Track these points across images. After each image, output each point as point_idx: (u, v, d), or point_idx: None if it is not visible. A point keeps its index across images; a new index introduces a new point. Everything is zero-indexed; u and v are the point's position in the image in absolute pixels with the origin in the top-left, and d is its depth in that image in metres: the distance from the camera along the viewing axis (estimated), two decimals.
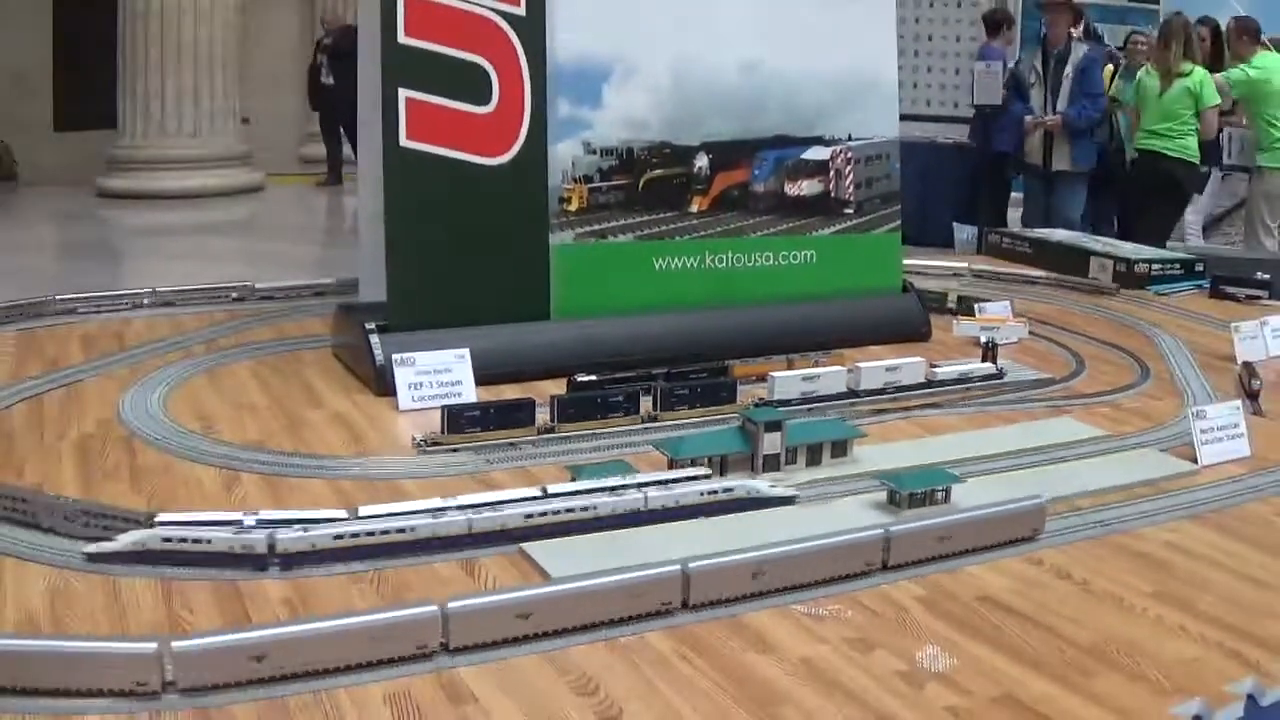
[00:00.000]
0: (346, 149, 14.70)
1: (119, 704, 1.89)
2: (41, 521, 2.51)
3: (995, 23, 11.05)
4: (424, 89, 3.75)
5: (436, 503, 2.58)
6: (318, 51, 15.26)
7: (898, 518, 2.73)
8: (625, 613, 2.21)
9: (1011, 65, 9.36)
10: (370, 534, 2.45)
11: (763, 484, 2.83)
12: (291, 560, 2.39)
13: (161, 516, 2.45)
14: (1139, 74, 8.44)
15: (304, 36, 17.16)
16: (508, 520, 2.56)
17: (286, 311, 4.56)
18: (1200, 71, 8.04)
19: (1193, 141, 8.10)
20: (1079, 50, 8.65)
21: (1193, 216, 9.00)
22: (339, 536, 2.43)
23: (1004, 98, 9.20)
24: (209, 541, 2.39)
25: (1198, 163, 8.28)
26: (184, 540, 2.39)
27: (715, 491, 2.76)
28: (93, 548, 2.42)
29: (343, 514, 2.53)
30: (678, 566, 2.25)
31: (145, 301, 4.59)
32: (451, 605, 2.06)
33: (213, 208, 13.44)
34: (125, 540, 2.40)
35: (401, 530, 2.47)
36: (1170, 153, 8.10)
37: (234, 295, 4.73)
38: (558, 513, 2.59)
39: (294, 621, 2.08)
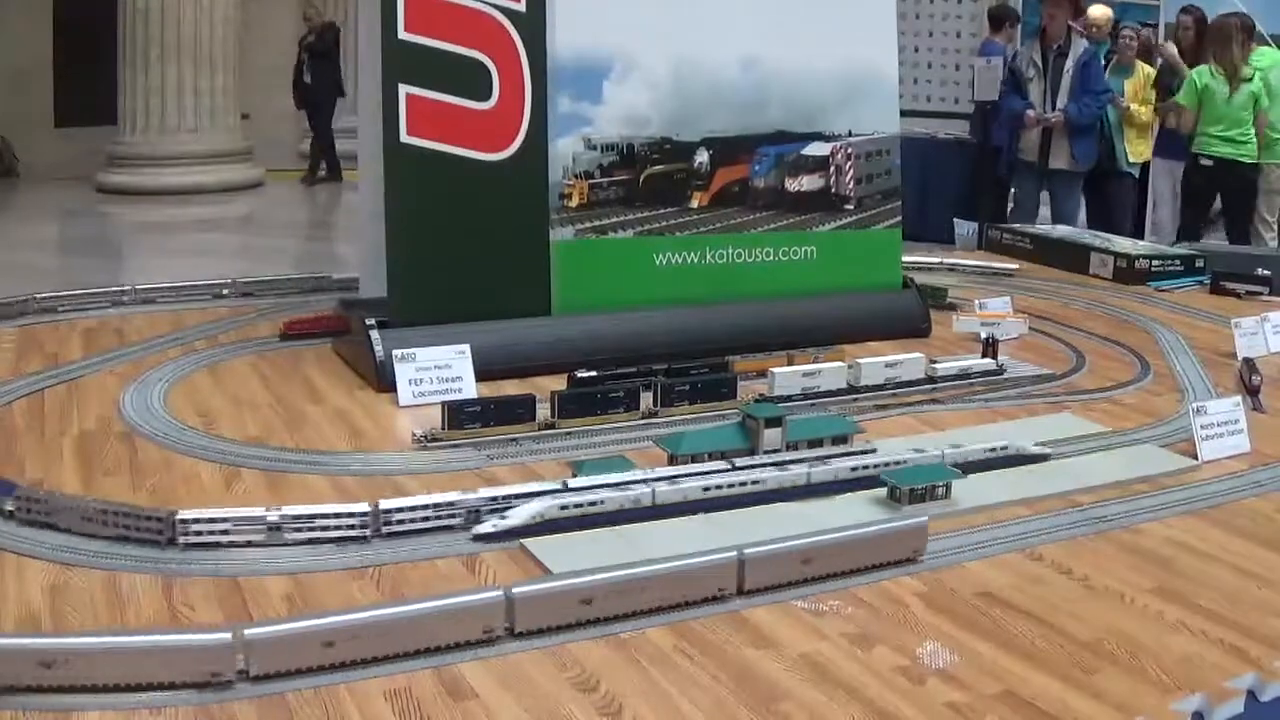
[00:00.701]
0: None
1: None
2: (59, 522, 2.51)
3: (998, 18, 11.03)
4: (424, 85, 3.75)
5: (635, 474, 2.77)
6: (301, 49, 15.22)
7: (900, 513, 2.73)
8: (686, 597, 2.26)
9: (1009, 59, 9.06)
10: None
11: (1027, 442, 3.13)
12: (666, 512, 2.67)
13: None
14: (1200, 76, 8.13)
15: (303, 32, 17.17)
16: (688, 492, 2.74)
17: (287, 307, 4.56)
18: (1258, 73, 7.98)
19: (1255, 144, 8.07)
20: (1079, 44, 8.36)
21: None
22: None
23: (1000, 92, 8.88)
24: (602, 502, 2.65)
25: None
26: (580, 505, 2.63)
27: (994, 449, 3.08)
28: (485, 528, 2.57)
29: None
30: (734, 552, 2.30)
31: (125, 300, 4.59)
32: (516, 590, 2.10)
33: (213, 203, 13.45)
34: (525, 513, 2.59)
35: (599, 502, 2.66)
36: (1245, 159, 8.04)
37: (222, 292, 4.74)
38: (743, 484, 2.81)
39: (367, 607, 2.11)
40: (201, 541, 2.46)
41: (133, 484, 2.83)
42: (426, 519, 2.59)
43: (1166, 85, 8.81)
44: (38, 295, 4.45)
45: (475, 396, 3.44)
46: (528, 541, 2.52)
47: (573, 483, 2.73)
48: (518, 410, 3.25)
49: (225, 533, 2.48)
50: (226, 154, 14.72)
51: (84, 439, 3.14)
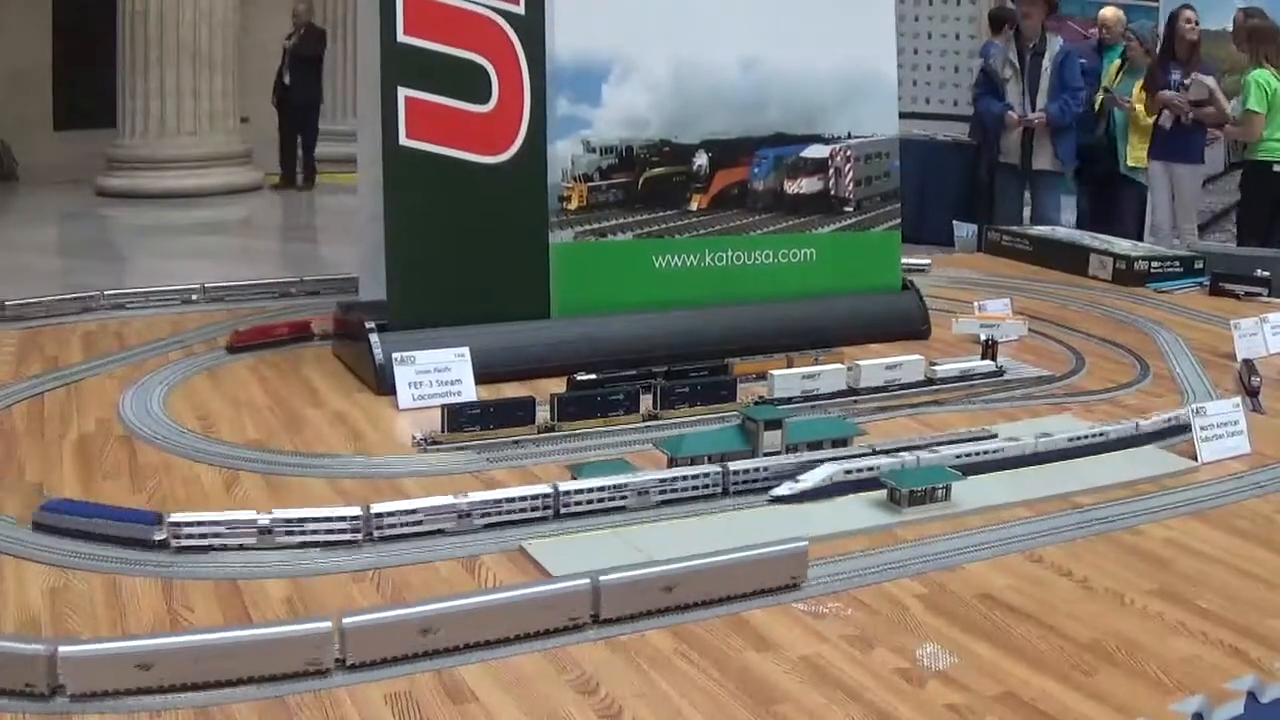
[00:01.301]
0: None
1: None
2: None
3: (999, 20, 11.03)
4: (423, 88, 3.75)
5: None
6: (285, 50, 14.95)
7: (900, 515, 2.74)
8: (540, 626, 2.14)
9: (984, 58, 8.67)
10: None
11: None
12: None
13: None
14: (1268, 80, 8.03)
15: None
16: (944, 460, 2.93)
17: (287, 311, 4.56)
18: None
19: None
20: (1054, 42, 8.15)
21: (1186, 218, 8.67)
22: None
23: (975, 94, 8.67)
24: (877, 469, 2.88)
25: None
26: (860, 470, 2.88)
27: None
28: (782, 490, 2.81)
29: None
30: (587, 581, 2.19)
31: (98, 305, 4.57)
32: (347, 621, 2.01)
33: (212, 206, 13.44)
34: (817, 476, 2.83)
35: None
36: None
37: (191, 298, 4.72)
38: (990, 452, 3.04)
39: (461, 595, 2.15)
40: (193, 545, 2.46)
41: (132, 487, 2.83)
42: (420, 522, 2.58)
43: (1161, 86, 8.62)
44: (5, 302, 4.41)
45: (475, 399, 3.44)
46: (528, 544, 2.53)
47: (849, 451, 2.98)
48: (517, 413, 3.25)
49: (218, 535, 2.47)
50: (226, 157, 14.71)
51: (84, 442, 3.14)
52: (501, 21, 3.85)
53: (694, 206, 4.25)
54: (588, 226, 4.07)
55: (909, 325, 4.52)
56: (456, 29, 3.79)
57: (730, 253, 4.30)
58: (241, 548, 2.48)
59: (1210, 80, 8.18)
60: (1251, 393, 3.76)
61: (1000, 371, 3.96)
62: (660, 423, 3.39)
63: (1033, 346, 4.41)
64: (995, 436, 3.18)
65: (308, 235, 12.77)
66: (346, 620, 1.99)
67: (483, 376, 3.61)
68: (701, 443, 2.97)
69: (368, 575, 2.40)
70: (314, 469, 2.99)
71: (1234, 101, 8.16)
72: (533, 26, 3.91)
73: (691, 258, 4.23)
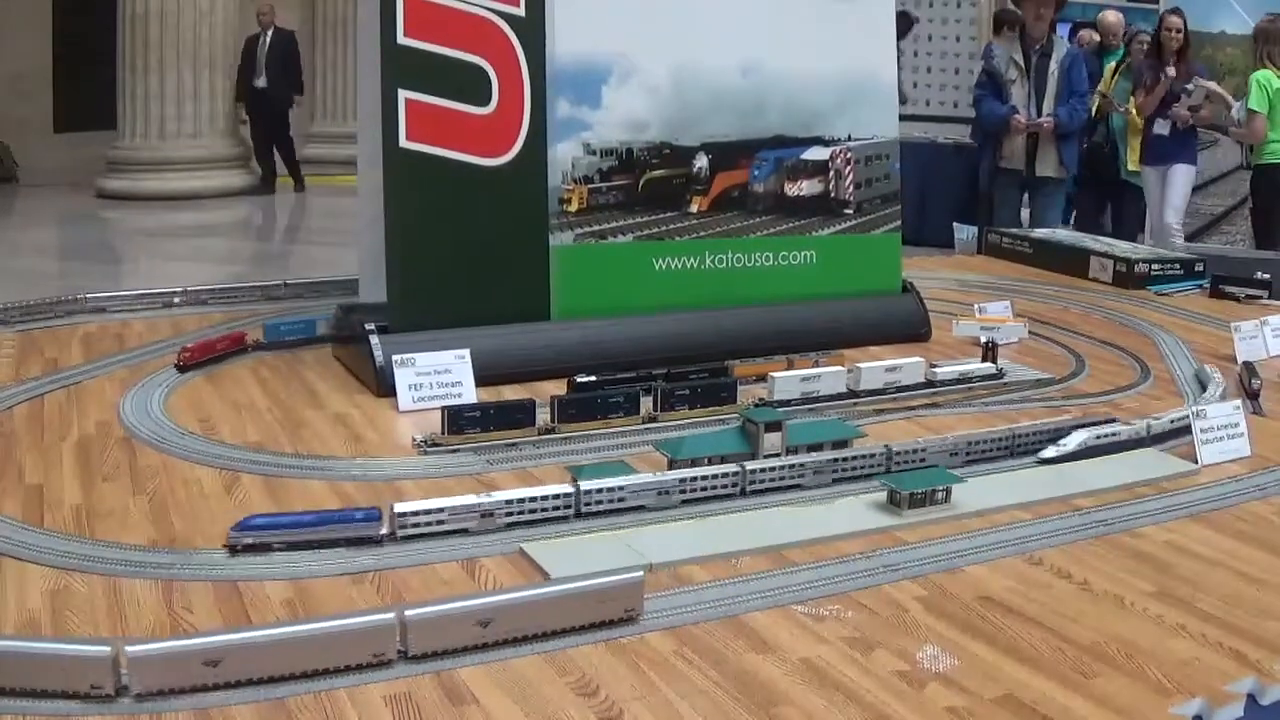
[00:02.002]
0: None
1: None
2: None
3: (1001, 23, 11.02)
4: (424, 90, 3.75)
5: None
6: (245, 50, 14.59)
7: (900, 518, 2.74)
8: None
9: (986, 59, 8.21)
10: None
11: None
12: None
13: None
14: (1269, 79, 7.96)
15: (304, 37, 17.14)
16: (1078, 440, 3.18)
17: (286, 312, 4.56)
18: None
19: None
20: (1061, 45, 7.88)
21: (1174, 217, 8.62)
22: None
23: (976, 96, 8.22)
24: (1117, 434, 3.21)
25: None
26: (1107, 435, 3.22)
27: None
28: (1049, 453, 3.16)
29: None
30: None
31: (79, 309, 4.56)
32: (409, 613, 2.04)
33: (212, 209, 13.44)
34: (1075, 439, 3.18)
35: None
36: None
37: (174, 301, 4.70)
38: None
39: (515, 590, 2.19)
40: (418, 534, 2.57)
41: (132, 489, 2.83)
42: (623, 499, 2.73)
43: (1152, 85, 8.53)
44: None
45: (475, 401, 3.44)
46: (527, 546, 2.53)
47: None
48: (517, 415, 3.25)
49: (441, 522, 2.58)
50: (226, 159, 14.72)
51: (84, 444, 3.14)
52: (502, 23, 3.85)
53: (694, 209, 4.25)
54: (588, 229, 4.07)
55: (909, 327, 4.52)
56: (457, 31, 3.79)
57: (730, 255, 4.30)
58: (466, 532, 2.58)
59: (1211, 83, 8.17)
60: (1252, 395, 3.76)
61: (1000, 374, 3.96)
62: (660, 425, 3.39)
63: (1033, 349, 4.41)
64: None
65: (309, 238, 12.78)
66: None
67: (483, 378, 3.61)
68: (701, 445, 2.97)
69: (368, 578, 2.40)
70: (314, 471, 2.99)
71: (1238, 104, 8.15)
72: (533, 28, 3.91)
73: (691, 260, 4.23)
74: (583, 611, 2.18)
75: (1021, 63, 7.74)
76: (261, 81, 14.56)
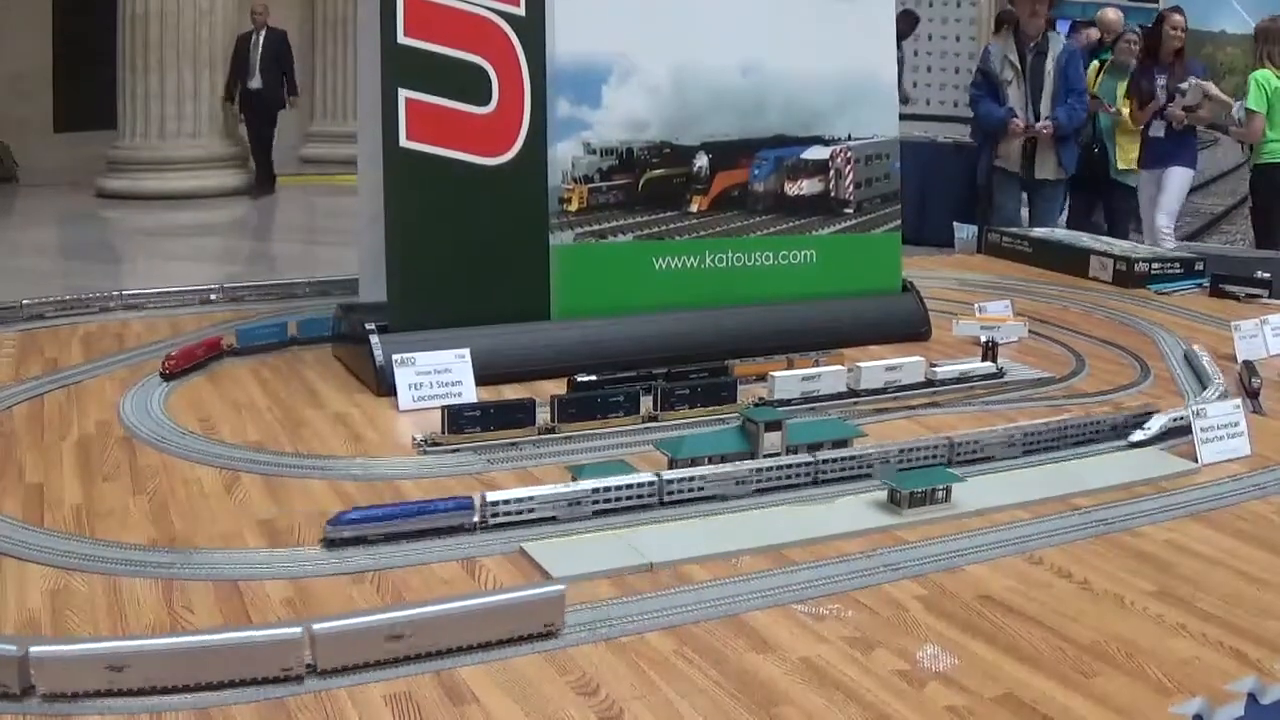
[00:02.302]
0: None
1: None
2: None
3: (1002, 22, 11.00)
4: (424, 89, 3.75)
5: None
6: (237, 50, 14.46)
7: (900, 517, 2.74)
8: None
9: (981, 59, 8.06)
10: None
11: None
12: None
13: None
14: (1266, 79, 7.91)
15: (304, 37, 17.14)
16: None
17: (286, 311, 4.56)
18: None
19: None
20: (1058, 42, 7.67)
21: (1165, 220, 8.55)
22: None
23: (971, 96, 8.02)
24: (1186, 417, 3.29)
25: None
26: (1179, 419, 3.32)
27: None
28: (1137, 436, 3.30)
29: None
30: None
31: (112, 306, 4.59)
32: (318, 627, 1.99)
33: (212, 208, 13.44)
34: (1159, 422, 3.34)
35: None
36: None
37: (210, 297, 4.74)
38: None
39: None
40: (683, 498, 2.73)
41: (132, 488, 2.83)
42: (703, 489, 2.79)
43: (1147, 91, 8.49)
44: (24, 302, 4.43)
45: (475, 401, 3.44)
46: (528, 545, 2.53)
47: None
48: (517, 414, 3.25)
49: (531, 510, 2.64)
50: (226, 159, 14.72)
51: (84, 443, 3.14)
52: (502, 23, 3.85)
53: (694, 208, 4.25)
54: (588, 228, 4.07)
55: (909, 327, 4.52)
56: (457, 30, 3.79)
57: (730, 254, 4.30)
58: (554, 519, 2.65)
59: (1208, 84, 8.11)
60: (1252, 394, 3.76)
61: (1000, 373, 3.96)
62: (660, 424, 3.39)
63: (1033, 348, 4.41)
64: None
65: (310, 237, 12.77)
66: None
67: (483, 378, 3.61)
68: (702, 444, 2.97)
69: (367, 577, 2.40)
70: (314, 470, 2.99)
71: (1238, 103, 8.13)
72: (533, 28, 3.91)
73: (692, 259, 4.23)
74: (499, 626, 2.11)
75: (1017, 62, 7.59)
76: (255, 82, 14.47)
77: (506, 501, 2.62)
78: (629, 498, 2.72)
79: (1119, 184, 8.81)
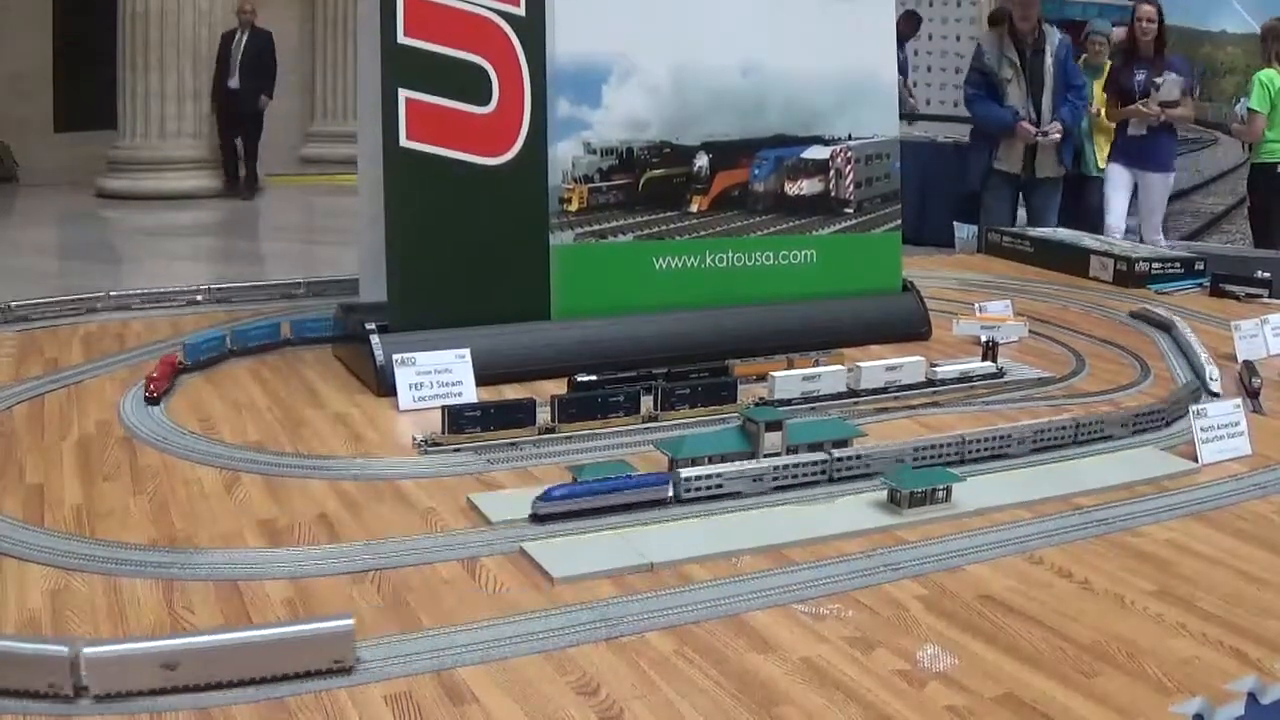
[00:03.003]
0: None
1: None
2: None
3: (995, 21, 10.98)
4: (424, 89, 3.75)
5: None
6: (221, 48, 14.26)
7: (900, 517, 2.74)
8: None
9: (976, 57, 7.66)
10: None
11: None
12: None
13: None
14: (1271, 78, 7.87)
15: (304, 37, 17.16)
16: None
17: (288, 311, 4.56)
18: None
19: None
20: (1053, 36, 7.39)
21: (1155, 235, 8.47)
22: None
23: (968, 95, 7.66)
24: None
25: None
26: None
27: None
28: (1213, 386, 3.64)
29: None
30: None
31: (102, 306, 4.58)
32: (87, 650, 1.90)
33: (213, 208, 13.44)
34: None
35: None
36: None
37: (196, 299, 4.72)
38: None
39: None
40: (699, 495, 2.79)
41: (133, 488, 2.83)
42: (869, 465, 2.96)
43: (1126, 89, 8.40)
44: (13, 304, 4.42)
45: (475, 401, 3.44)
46: (528, 545, 2.52)
47: None
48: (518, 414, 3.25)
49: (720, 485, 2.80)
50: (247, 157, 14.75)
51: (84, 443, 3.14)
52: (502, 23, 3.85)
53: (694, 208, 4.25)
54: (588, 228, 4.07)
55: (909, 327, 4.52)
56: (457, 30, 3.79)
57: (731, 254, 4.30)
58: (739, 494, 2.81)
59: (1182, 81, 7.99)
60: (1252, 394, 3.77)
61: (1001, 373, 3.96)
62: (660, 424, 3.39)
63: (1033, 348, 4.41)
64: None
65: (310, 236, 12.77)
66: None
67: (483, 378, 3.61)
68: (702, 444, 2.97)
69: (368, 577, 2.40)
70: (314, 470, 2.99)
71: (1241, 101, 8.11)
72: (533, 28, 3.91)
73: (692, 259, 4.23)
74: (281, 660, 1.98)
75: (1016, 59, 7.35)
76: (235, 81, 14.35)
77: (698, 478, 2.78)
78: (805, 475, 2.90)
79: (1095, 180, 8.63)
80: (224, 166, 14.66)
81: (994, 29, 8.52)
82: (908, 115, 12.73)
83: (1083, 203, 8.47)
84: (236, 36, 14.43)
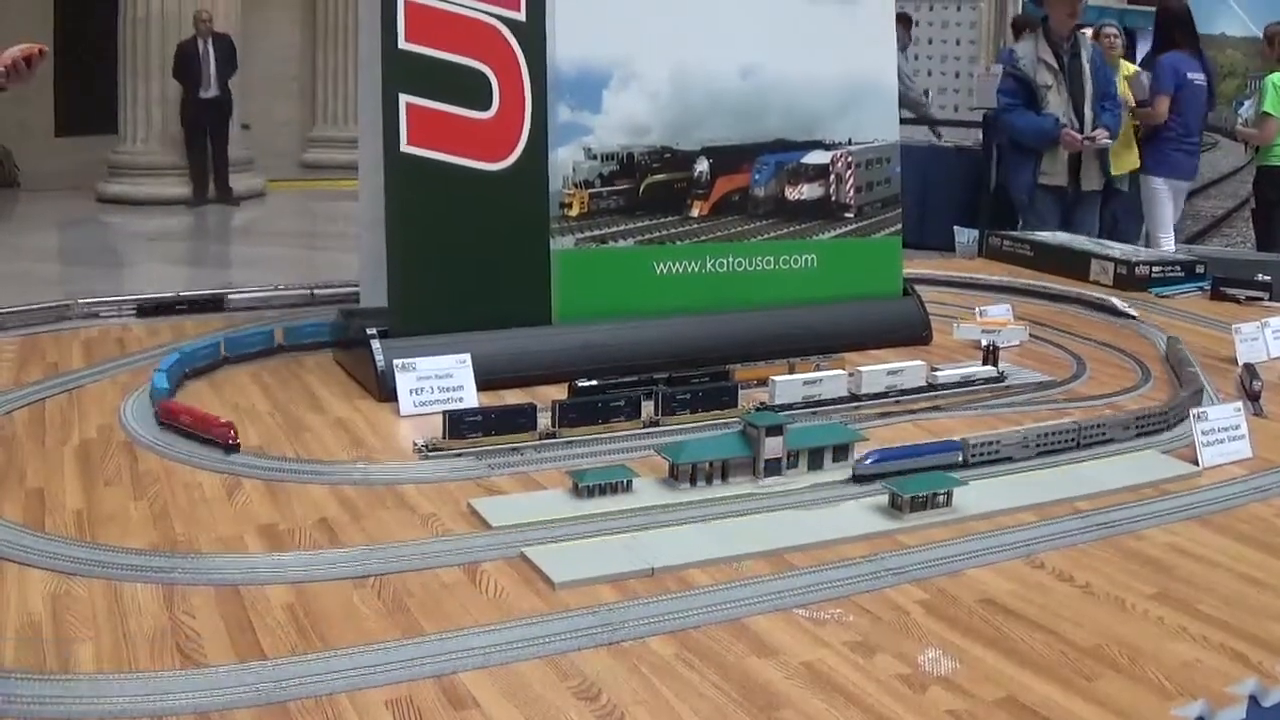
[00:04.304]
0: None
1: None
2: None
3: (1021, 27, 10.94)
4: (425, 95, 3.75)
5: None
6: (182, 58, 14.23)
7: (901, 521, 2.74)
8: None
9: (1011, 64, 7.29)
10: None
11: None
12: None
13: None
14: (1279, 80, 7.89)
15: (304, 42, 17.18)
16: None
17: (289, 317, 4.56)
18: None
19: None
20: (1084, 39, 7.10)
21: (1163, 240, 8.44)
22: None
23: (1003, 105, 7.30)
24: None
25: None
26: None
27: None
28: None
29: None
30: None
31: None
32: None
33: (214, 213, 13.46)
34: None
35: None
36: None
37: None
38: None
39: None
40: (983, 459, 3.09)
41: (133, 493, 2.83)
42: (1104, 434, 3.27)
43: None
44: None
45: (476, 406, 3.44)
46: (529, 551, 2.53)
47: None
48: (519, 419, 3.25)
49: (997, 451, 3.12)
50: (231, 164, 14.74)
51: (85, 448, 3.14)
52: (503, 28, 3.86)
53: (695, 213, 4.26)
54: (589, 233, 4.07)
55: (910, 331, 4.52)
56: (458, 36, 3.79)
57: (731, 259, 4.30)
58: (1010, 459, 3.13)
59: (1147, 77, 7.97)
60: (1253, 397, 3.77)
61: (1002, 377, 3.96)
62: (661, 429, 3.39)
63: (1034, 352, 4.41)
64: None
65: (310, 242, 12.79)
66: None
67: (484, 383, 3.61)
68: (703, 449, 2.97)
69: (369, 582, 2.40)
70: (315, 475, 2.99)
71: (1248, 104, 8.11)
72: (534, 33, 3.91)
73: (692, 264, 4.24)
74: None
75: (1054, 64, 6.97)
76: (211, 91, 14.26)
77: (982, 444, 3.10)
78: (1060, 442, 3.21)
79: (1119, 192, 8.68)
80: (194, 177, 14.56)
81: (1028, 33, 8.35)
82: (929, 121, 12.72)
83: (1115, 217, 8.48)
84: (201, 46, 14.29)
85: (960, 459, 3.06)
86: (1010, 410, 3.70)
